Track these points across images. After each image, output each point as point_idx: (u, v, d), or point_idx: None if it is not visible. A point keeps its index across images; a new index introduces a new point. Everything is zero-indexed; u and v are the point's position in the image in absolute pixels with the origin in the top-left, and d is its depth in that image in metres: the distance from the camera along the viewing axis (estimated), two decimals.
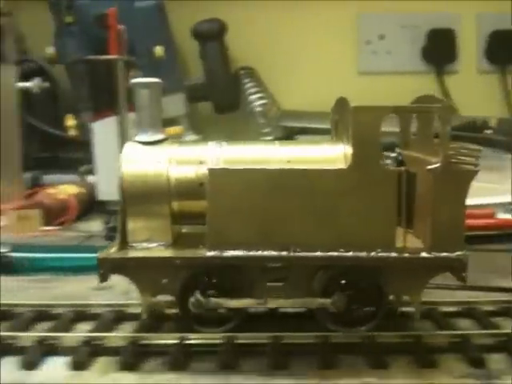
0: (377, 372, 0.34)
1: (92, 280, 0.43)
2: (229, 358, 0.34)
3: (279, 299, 0.36)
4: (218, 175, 0.36)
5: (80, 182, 0.83)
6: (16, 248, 0.53)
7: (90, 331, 0.37)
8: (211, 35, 1.18)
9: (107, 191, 0.77)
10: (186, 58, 1.18)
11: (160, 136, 0.39)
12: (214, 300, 0.35)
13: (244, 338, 0.36)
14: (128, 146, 0.38)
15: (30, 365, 0.34)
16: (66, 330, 0.39)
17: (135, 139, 0.38)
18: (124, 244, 0.37)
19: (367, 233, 0.36)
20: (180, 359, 0.35)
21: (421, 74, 1.24)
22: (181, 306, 0.37)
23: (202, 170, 0.36)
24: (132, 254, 0.36)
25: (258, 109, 1.20)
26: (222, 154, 0.38)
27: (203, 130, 1.14)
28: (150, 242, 0.37)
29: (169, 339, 0.36)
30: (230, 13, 1.17)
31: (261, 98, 1.20)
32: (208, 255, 0.36)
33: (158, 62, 1.00)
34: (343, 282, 0.37)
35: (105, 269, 0.36)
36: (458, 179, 0.36)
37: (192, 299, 0.35)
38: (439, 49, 1.25)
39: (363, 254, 0.36)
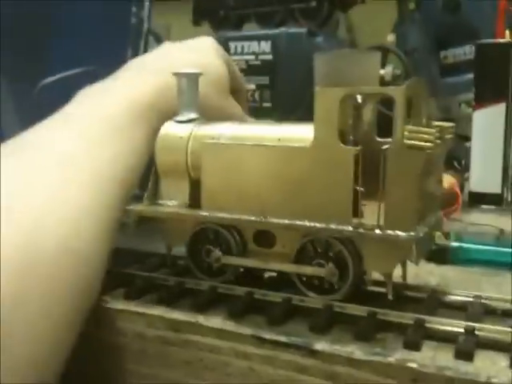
0: None
1: None
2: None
3: (279, 263, 0.40)
4: (209, 148, 0.41)
5: (451, 171, 0.80)
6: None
7: None
8: None
9: (481, 183, 0.74)
10: None
11: (192, 116, 0.44)
12: (230, 257, 0.42)
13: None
14: (166, 124, 0.44)
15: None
16: None
17: (173, 119, 0.44)
18: (153, 200, 0.44)
19: (328, 207, 0.37)
20: (469, 349, 0.33)
21: None
22: (190, 256, 0.43)
23: None
24: (155, 208, 0.44)
25: None
26: (230, 132, 0.42)
27: None
28: (172, 201, 0.43)
29: (457, 327, 0.35)
30: None
31: None
32: (200, 214, 0.41)
33: None
34: (317, 250, 0.39)
35: (133, 219, 0.45)
36: (410, 160, 0.35)
37: (213, 253, 0.42)
38: None
39: (321, 225, 0.37)
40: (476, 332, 0.35)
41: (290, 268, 0.40)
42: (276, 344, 0.35)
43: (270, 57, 0.99)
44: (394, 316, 0.37)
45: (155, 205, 0.44)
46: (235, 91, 0.59)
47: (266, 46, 0.99)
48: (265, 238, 0.41)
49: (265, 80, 1.00)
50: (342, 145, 0.37)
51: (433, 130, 0.35)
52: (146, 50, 0.97)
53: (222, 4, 1.04)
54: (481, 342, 0.34)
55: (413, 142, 0.35)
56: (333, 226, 0.37)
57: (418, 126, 0.36)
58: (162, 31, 1.25)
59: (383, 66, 1.01)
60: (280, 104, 0.99)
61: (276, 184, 0.39)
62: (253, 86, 0.99)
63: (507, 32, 0.91)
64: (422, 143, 0.35)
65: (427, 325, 0.36)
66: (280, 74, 0.99)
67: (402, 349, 0.34)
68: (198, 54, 0.55)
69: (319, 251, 0.39)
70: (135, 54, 0.96)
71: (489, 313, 0.39)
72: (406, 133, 0.35)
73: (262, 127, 0.43)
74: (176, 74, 0.45)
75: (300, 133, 0.40)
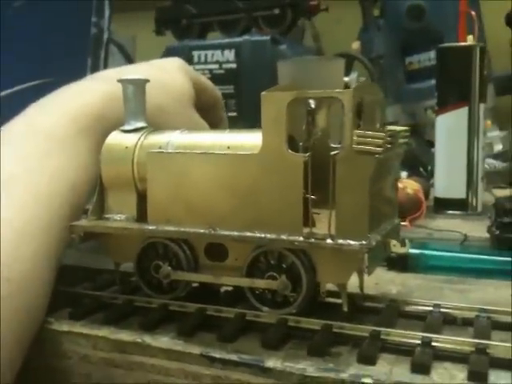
0: None
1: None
2: None
3: (230, 277, 0.39)
4: (154, 158, 0.39)
5: (416, 177, 0.79)
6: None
7: None
8: None
9: (446, 188, 0.73)
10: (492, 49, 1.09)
11: (139, 125, 0.42)
12: (180, 273, 0.39)
13: None
14: (112, 133, 0.43)
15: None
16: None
17: (119, 128, 0.43)
18: (100, 215, 0.42)
19: (278, 217, 0.36)
20: (426, 361, 0.32)
21: None
22: (138, 273, 0.41)
23: None
24: (99, 223, 0.41)
25: None
26: (177, 140, 0.40)
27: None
28: (119, 215, 0.41)
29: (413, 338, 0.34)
30: None
31: None
32: (147, 228, 0.39)
33: None
34: (269, 262, 0.37)
35: (77, 235, 0.41)
36: (359, 165, 0.34)
37: (162, 269, 0.39)
38: None
39: (271, 236, 0.36)
40: (433, 343, 0.33)
41: (240, 282, 0.38)
42: (226, 363, 0.34)
43: (233, 65, 0.98)
44: (349, 329, 0.35)
45: (101, 219, 0.42)
46: (210, 105, 0.58)
47: (229, 54, 0.98)
48: (217, 251, 0.39)
49: (229, 89, 0.99)
50: (290, 151, 0.36)
51: (382, 134, 0.34)
52: (106, 60, 0.95)
53: (184, 13, 1.03)
54: (438, 353, 0.33)
55: (362, 146, 0.34)
56: (283, 237, 0.36)
57: (367, 131, 0.35)
58: (127, 42, 1.23)
59: (348, 73, 1.00)
60: (246, 113, 0.98)
61: (225, 194, 0.38)
62: None
63: (470, 36, 0.92)
64: (371, 148, 0.34)
65: (383, 337, 0.34)
66: (244, 83, 0.98)
67: (356, 363, 0.33)
68: (162, 71, 0.54)
69: (272, 263, 0.37)
70: (95, 64, 0.94)
71: (448, 322, 0.37)
72: (354, 138, 0.34)
73: (211, 135, 0.41)
74: (121, 81, 0.43)
75: (250, 140, 0.38)
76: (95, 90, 0.48)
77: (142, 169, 0.40)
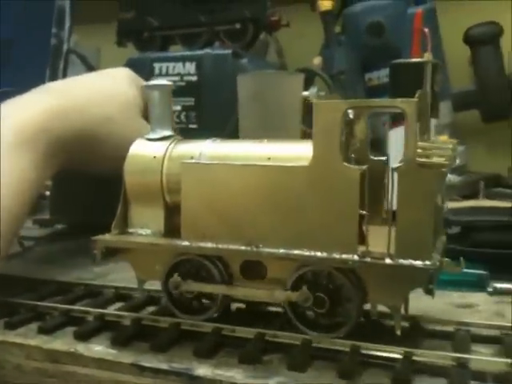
0: None
1: (453, 296, 0.45)
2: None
3: (247, 288, 0.36)
4: (190, 169, 0.37)
5: None
6: None
7: None
8: (486, 39, 1.10)
9: None
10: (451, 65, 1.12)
11: (166, 133, 0.40)
12: (191, 283, 0.37)
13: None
14: (136, 142, 0.40)
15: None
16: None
17: (145, 136, 0.40)
18: (123, 229, 0.39)
19: (328, 233, 0.33)
20: (352, 368, 0.33)
21: None
22: (166, 292, 0.38)
23: None
24: (122, 238, 0.39)
25: None
26: (210, 150, 0.38)
27: (468, 140, 1.07)
28: (145, 230, 0.39)
29: (342, 346, 0.34)
30: (505, 13, 1.06)
31: None
32: (180, 244, 0.37)
33: None
34: (315, 283, 0.35)
35: (99, 250, 0.38)
36: (424, 179, 0.32)
37: (171, 279, 0.37)
38: None
39: (322, 254, 0.33)
40: (362, 351, 0.34)
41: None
42: (157, 372, 0.34)
43: (194, 78, 0.98)
44: (282, 337, 0.35)
45: (125, 234, 0.39)
46: None
47: (190, 67, 0.98)
48: (253, 268, 0.36)
49: (190, 101, 0.99)
50: (345, 163, 0.33)
51: (449, 146, 0.32)
52: (65, 71, 0.95)
53: (146, 25, 1.03)
54: (365, 360, 0.33)
55: (426, 159, 0.32)
56: (336, 256, 0.33)
57: (429, 143, 0.33)
58: (91, 54, 1.23)
59: (308, 87, 1.02)
60: (206, 125, 0.98)
61: (267, 208, 0.35)
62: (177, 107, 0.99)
63: (427, 53, 0.94)
64: (438, 161, 0.32)
65: (314, 345, 0.35)
66: (205, 95, 0.98)
67: (286, 371, 0.33)
68: (110, 80, 0.54)
69: (318, 283, 0.35)
70: (54, 75, 0.94)
71: (383, 331, 0.38)
72: (418, 150, 0.32)
73: (245, 145, 0.38)
74: (146, 86, 0.41)
75: (292, 151, 0.36)
76: (40, 102, 0.48)
77: (172, 180, 0.38)
